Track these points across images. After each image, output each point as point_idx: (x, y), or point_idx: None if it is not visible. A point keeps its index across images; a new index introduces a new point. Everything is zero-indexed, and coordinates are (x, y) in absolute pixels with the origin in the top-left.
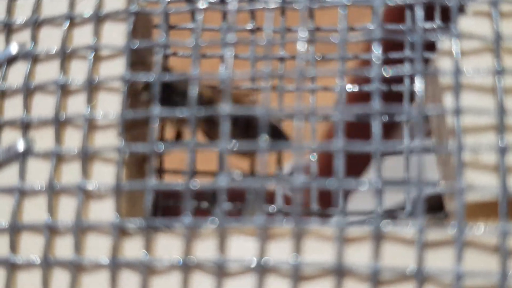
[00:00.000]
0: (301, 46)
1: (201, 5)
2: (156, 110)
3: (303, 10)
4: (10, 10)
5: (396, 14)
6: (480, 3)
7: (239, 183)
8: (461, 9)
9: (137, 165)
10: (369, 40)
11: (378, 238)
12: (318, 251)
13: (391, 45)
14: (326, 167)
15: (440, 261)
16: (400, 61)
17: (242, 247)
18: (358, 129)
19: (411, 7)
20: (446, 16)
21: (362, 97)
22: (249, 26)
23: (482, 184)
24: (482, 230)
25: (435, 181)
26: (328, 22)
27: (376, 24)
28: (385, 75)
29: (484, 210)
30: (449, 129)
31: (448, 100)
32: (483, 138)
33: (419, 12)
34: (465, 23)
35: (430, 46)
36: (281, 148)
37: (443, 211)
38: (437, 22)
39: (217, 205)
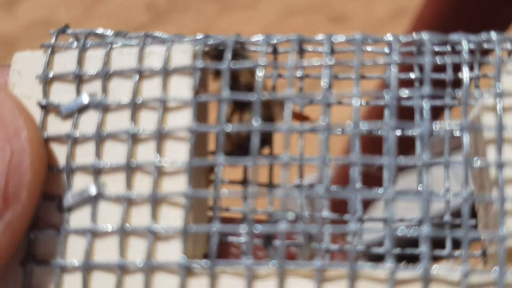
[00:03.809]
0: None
1: (262, 62)
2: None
3: (356, 67)
4: (80, 61)
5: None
6: None
7: (297, 228)
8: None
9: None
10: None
11: (427, 280)
12: None
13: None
14: (343, 178)
15: None
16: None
17: None
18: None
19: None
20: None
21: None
22: (299, 74)
23: None
24: None
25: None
26: None
27: (426, 82)
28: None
29: None
30: (492, 180)
31: (491, 153)
32: None
33: (465, 72)
34: (507, 80)
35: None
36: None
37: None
38: (477, 73)
39: (271, 244)
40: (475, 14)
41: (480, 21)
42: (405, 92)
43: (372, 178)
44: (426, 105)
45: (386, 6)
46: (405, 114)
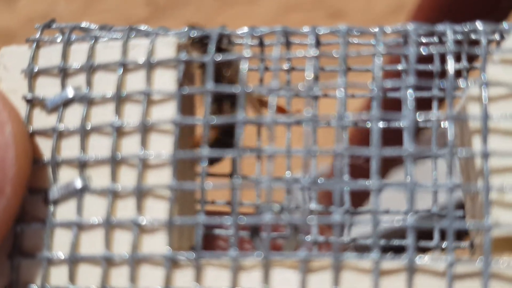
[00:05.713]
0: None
1: (246, 54)
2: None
3: (341, 58)
4: (65, 55)
5: None
6: (506, 52)
7: (282, 219)
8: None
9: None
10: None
11: (412, 270)
12: (356, 283)
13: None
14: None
15: None
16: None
17: (285, 279)
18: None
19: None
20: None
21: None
22: (285, 66)
23: (507, 221)
24: (506, 264)
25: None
26: None
27: (410, 72)
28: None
29: (509, 244)
30: (478, 170)
31: (477, 143)
32: (508, 179)
33: (450, 62)
34: (492, 70)
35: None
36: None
37: None
38: (464, 63)
39: (258, 236)
40: (473, 5)
41: (479, 12)
42: (389, 83)
43: (364, 171)
44: (410, 95)
45: (385, 2)
46: (398, 107)
